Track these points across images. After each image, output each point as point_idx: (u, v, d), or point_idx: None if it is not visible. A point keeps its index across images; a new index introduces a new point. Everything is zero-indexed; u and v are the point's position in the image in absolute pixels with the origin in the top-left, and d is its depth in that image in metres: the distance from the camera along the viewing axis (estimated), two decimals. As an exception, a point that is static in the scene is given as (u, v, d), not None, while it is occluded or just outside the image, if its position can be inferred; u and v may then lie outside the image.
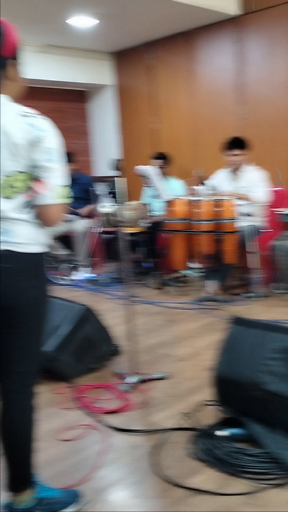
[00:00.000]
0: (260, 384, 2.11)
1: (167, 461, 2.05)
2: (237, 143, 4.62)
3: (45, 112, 1.67)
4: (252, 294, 4.35)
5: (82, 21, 5.18)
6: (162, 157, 5.57)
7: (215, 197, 4.42)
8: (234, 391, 2.21)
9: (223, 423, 2.21)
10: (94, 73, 6.53)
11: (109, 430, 2.32)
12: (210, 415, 2.32)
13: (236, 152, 4.61)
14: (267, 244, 4.63)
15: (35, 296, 1.59)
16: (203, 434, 2.13)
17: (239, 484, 1.88)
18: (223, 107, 5.54)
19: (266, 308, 4.09)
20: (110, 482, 1.95)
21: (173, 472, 1.97)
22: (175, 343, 3.43)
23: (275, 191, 5.14)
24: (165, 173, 5.57)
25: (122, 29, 5.52)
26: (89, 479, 1.97)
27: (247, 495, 1.81)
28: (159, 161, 5.53)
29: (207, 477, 1.93)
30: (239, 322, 2.35)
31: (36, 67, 5.88)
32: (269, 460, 1.95)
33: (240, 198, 4.40)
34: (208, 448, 2.05)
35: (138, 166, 4.66)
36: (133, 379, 2.78)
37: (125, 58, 6.45)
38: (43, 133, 1.52)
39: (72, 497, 1.81)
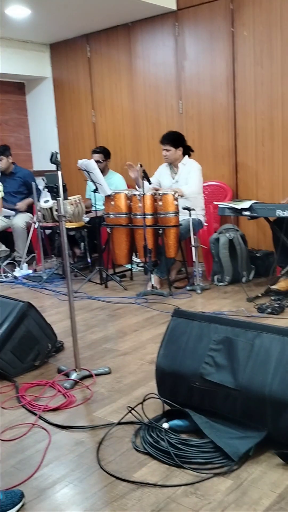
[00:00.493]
0: (203, 375, 2.14)
1: (111, 456, 2.05)
2: (167, 138, 4.68)
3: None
4: (193, 287, 4.42)
5: (18, 11, 5.05)
6: (101, 151, 5.54)
7: (156, 191, 4.45)
8: (177, 383, 2.23)
9: (167, 415, 2.23)
10: (32, 64, 6.39)
11: (52, 427, 2.29)
12: (154, 408, 2.33)
13: (167, 147, 4.66)
14: (207, 238, 4.71)
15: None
16: (147, 427, 2.15)
17: (183, 475, 1.90)
18: (163, 102, 5.57)
19: (208, 301, 4.18)
20: (54, 479, 1.93)
21: (118, 467, 1.97)
22: (118, 337, 3.44)
23: (214, 186, 5.25)
24: (105, 167, 5.55)
25: (57, 20, 5.42)
26: (32, 478, 1.94)
27: (190, 485, 1.84)
28: (99, 155, 5.50)
29: (152, 470, 1.94)
30: (181, 314, 2.38)
31: None
32: (212, 450, 1.99)
33: (175, 192, 4.46)
34: (153, 441, 2.07)
35: (80, 160, 4.61)
36: (76, 375, 2.75)
37: (62, 50, 6.35)
38: None
39: (15, 497, 1.78)
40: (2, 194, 1.53)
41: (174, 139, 4.69)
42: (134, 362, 2.99)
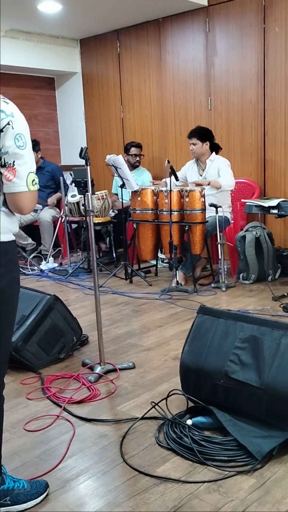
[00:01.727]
0: (227, 373, 2.14)
1: (134, 450, 2.06)
2: (194, 132, 4.66)
3: (11, 98, 1.63)
4: (218, 285, 4.40)
5: (49, 7, 5.08)
6: (140, 146, 5.59)
7: (183, 188, 4.44)
8: (201, 380, 2.23)
9: (190, 412, 2.23)
10: (63, 59, 6.42)
11: (76, 420, 2.31)
12: (177, 404, 2.34)
13: (194, 140, 4.64)
14: (233, 235, 4.68)
15: (5, 285, 1.56)
16: (171, 423, 2.15)
17: (206, 472, 1.90)
18: (192, 98, 5.54)
19: (233, 299, 4.16)
20: (78, 471, 1.95)
21: (141, 461, 1.98)
22: (142, 333, 3.45)
23: (242, 183, 5.20)
24: (140, 163, 5.58)
25: (88, 15, 5.43)
26: (56, 469, 1.96)
27: (213, 482, 1.84)
28: (137, 149, 5.54)
29: (175, 465, 1.95)
30: (206, 311, 2.37)
31: (3, 53, 5.74)
32: (235, 448, 1.98)
33: (208, 185, 4.45)
34: (176, 437, 2.07)
35: (108, 155, 4.62)
36: (100, 369, 2.77)
37: (92, 45, 6.36)
38: (10, 118, 1.48)
39: (40, 487, 1.80)
40: (38, 186, 1.54)
41: (201, 133, 4.67)
42: (158, 357, 3.00)
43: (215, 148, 4.78)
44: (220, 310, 2.36)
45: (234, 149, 5.28)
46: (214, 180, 4.55)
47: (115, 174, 4.88)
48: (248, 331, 2.18)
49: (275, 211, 4.07)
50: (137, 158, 5.52)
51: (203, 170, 4.77)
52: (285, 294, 4.08)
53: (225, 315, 2.30)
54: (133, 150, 5.52)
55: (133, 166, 5.56)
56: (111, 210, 5.44)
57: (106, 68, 6.28)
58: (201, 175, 4.76)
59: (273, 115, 5.02)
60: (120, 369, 2.81)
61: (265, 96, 5.03)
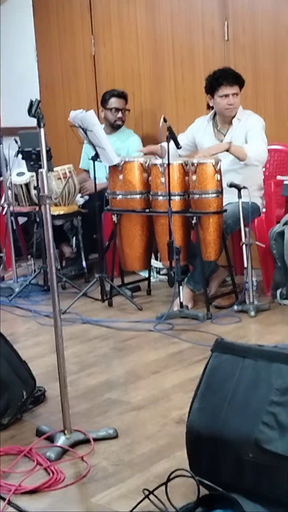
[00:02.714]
0: (259, 442, 2.13)
1: None
2: (237, 77, 4.68)
3: None
4: (245, 307, 4.40)
5: None
6: (124, 96, 5.59)
7: (188, 160, 4.44)
8: (220, 454, 2.22)
9: (204, 503, 2.21)
10: None
11: (29, 519, 2.29)
12: (183, 492, 2.33)
13: (236, 89, 4.65)
14: (266, 232, 4.69)
15: None
16: (174, 521, 2.14)
17: None
18: (200, 24, 5.57)
19: (266, 328, 4.15)
20: None
21: None
22: (129, 383, 3.43)
23: (278, 151, 5.22)
24: (124, 121, 5.59)
25: None
26: None
27: None
28: (120, 101, 5.54)
29: None
30: (226, 349, 2.36)
31: None
32: None
33: (227, 151, 4.44)
34: None
35: (73, 112, 4.62)
36: (65, 440, 2.76)
37: None
38: None
39: None
40: None
41: (242, 80, 4.69)
42: (153, 420, 2.98)
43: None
44: (247, 346, 2.34)
45: (265, 101, 5.31)
46: (238, 146, 4.53)
47: (85, 141, 4.87)
48: (290, 378, 2.18)
49: None
50: (119, 115, 5.53)
51: (224, 134, 4.76)
52: None
53: (254, 353, 2.29)
54: (114, 102, 5.53)
55: (113, 127, 5.57)
56: (79, 195, 5.43)
57: (69, -21, 6.30)
58: (220, 141, 4.75)
59: None
60: (96, 440, 2.79)
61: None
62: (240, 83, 4.68)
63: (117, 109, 5.53)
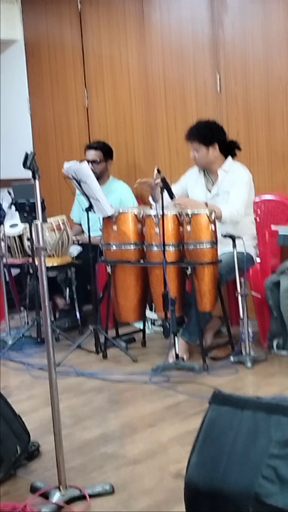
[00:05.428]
0: (259, 496, 2.12)
1: None
2: (195, 132, 4.76)
3: None
4: (241, 358, 4.39)
5: None
6: (99, 148, 5.62)
7: (184, 210, 4.48)
8: (219, 508, 2.21)
9: None
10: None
11: None
12: None
13: (195, 145, 4.74)
14: (262, 282, 4.71)
15: None
16: None
17: None
18: (192, 76, 5.65)
19: (264, 379, 4.14)
20: None
21: None
22: (125, 436, 3.42)
23: (271, 201, 5.27)
24: (105, 172, 5.62)
25: None
26: None
27: None
28: (95, 153, 5.57)
29: None
30: (224, 401, 2.37)
31: None
32: None
33: (211, 212, 4.49)
34: None
35: (67, 163, 4.67)
36: (60, 497, 2.73)
37: (41, 1, 6.48)
38: None
39: None
40: None
41: (205, 134, 4.75)
42: (151, 475, 2.97)
43: (230, 150, 4.86)
44: (245, 398, 2.34)
45: (258, 150, 5.37)
46: (213, 205, 4.55)
47: (78, 192, 4.92)
48: (289, 430, 2.18)
49: None
50: (93, 167, 5.41)
51: (214, 184, 4.82)
52: None
53: (252, 405, 2.30)
54: (88, 155, 5.55)
55: (98, 179, 5.60)
56: (73, 247, 5.45)
57: (62, 32, 6.41)
58: (210, 191, 4.82)
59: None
60: (92, 496, 2.77)
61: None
62: (200, 138, 4.72)
63: (92, 161, 5.51)
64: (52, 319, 5.50)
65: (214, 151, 4.76)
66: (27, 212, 4.71)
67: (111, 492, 2.81)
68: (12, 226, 5.30)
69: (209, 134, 4.77)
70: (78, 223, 5.75)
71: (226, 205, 4.60)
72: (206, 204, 4.51)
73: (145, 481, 2.92)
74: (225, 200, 4.68)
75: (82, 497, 2.76)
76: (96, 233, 5.14)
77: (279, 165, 5.32)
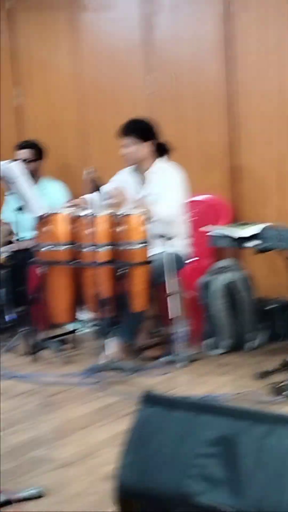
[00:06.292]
0: (188, 495, 2.13)
1: None
2: (128, 128, 4.77)
3: None
4: (174, 357, 4.42)
5: None
6: (30, 146, 5.58)
7: (115, 211, 4.47)
8: (149, 508, 2.21)
9: None
10: None
11: None
12: None
13: (127, 140, 4.75)
14: (193, 281, 4.74)
15: None
16: None
17: None
18: (124, 76, 5.65)
19: (196, 378, 4.17)
20: None
21: None
22: (56, 439, 3.40)
23: (203, 202, 5.31)
24: (36, 172, 5.57)
25: None
26: None
27: None
28: (26, 152, 5.52)
29: None
30: (153, 401, 2.37)
31: None
32: None
33: (143, 213, 4.51)
34: None
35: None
36: (-10, 501, 2.71)
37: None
38: None
39: None
40: None
41: (139, 130, 4.76)
42: (82, 478, 2.96)
43: (162, 151, 4.88)
44: (174, 398, 2.35)
45: (189, 151, 5.40)
46: (145, 208, 4.57)
47: (7, 192, 4.87)
48: (218, 429, 2.19)
49: (255, 242, 4.17)
50: (29, 165, 5.40)
51: (145, 183, 4.83)
52: (274, 368, 4.15)
53: (182, 405, 2.30)
54: (20, 154, 5.50)
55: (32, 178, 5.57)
56: (3, 248, 5.40)
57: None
58: (141, 191, 4.82)
59: (246, 101, 5.20)
60: (22, 500, 2.74)
61: (233, 74, 5.22)
62: (133, 133, 4.73)
63: (23, 160, 5.36)
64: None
65: (146, 149, 4.76)
66: None
67: (42, 496, 2.79)
68: None
69: (143, 130, 4.79)
70: (8, 223, 5.68)
71: (161, 204, 4.62)
72: (141, 202, 4.53)
73: (76, 483, 2.91)
74: (156, 200, 4.69)
75: (13, 501, 2.73)
76: (27, 233, 5.10)
77: (211, 167, 5.37)
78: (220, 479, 2.11)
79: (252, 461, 2.09)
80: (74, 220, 4.59)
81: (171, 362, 4.42)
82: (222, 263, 4.81)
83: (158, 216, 4.54)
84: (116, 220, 4.44)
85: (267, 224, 4.28)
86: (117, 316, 4.68)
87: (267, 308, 4.84)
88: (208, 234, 4.42)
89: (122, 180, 4.94)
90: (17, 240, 5.16)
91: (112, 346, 4.46)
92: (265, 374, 4.07)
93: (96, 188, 4.39)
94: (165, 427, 2.28)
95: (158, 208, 4.57)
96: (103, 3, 5.71)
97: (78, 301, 4.73)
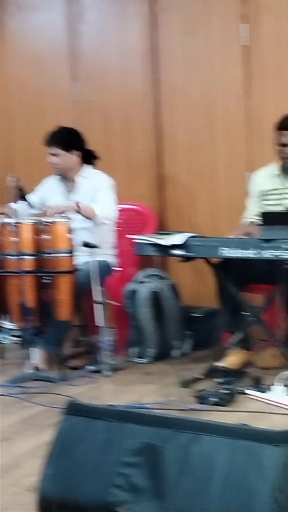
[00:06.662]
0: (111, 505, 2.12)
1: None
2: (55, 138, 4.76)
3: None
4: (99, 367, 4.41)
5: None
6: None
7: (40, 219, 4.44)
8: (73, 520, 2.20)
9: None
10: None
11: None
12: None
13: (54, 150, 4.73)
14: (119, 290, 4.75)
15: None
16: None
17: None
18: (49, 85, 5.65)
19: (121, 387, 4.17)
20: None
21: None
22: (-22, 451, 3.36)
23: (129, 210, 5.34)
24: None
25: None
26: None
27: None
28: None
29: None
30: (78, 410, 2.36)
31: None
32: None
33: (78, 211, 4.49)
34: None
35: None
36: None
37: None
38: None
39: None
40: None
41: (65, 139, 4.76)
42: (5, 490, 2.90)
43: (89, 158, 4.88)
44: (98, 407, 2.35)
45: (115, 160, 5.43)
46: (86, 205, 4.60)
47: None
48: (142, 438, 2.20)
49: (180, 251, 4.21)
50: None
51: (72, 191, 4.82)
52: (199, 376, 4.18)
53: (105, 414, 2.30)
54: None
55: None
56: None
57: None
58: (69, 199, 4.81)
59: (171, 111, 5.26)
60: None
61: (159, 84, 5.27)
62: (60, 143, 4.73)
63: None
64: None
65: (73, 157, 4.76)
66: None
67: None
68: None
69: (70, 140, 4.78)
70: None
71: (97, 205, 4.61)
72: (78, 205, 4.51)
73: (1, 495, 2.86)
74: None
75: None
76: None
77: (137, 176, 5.41)
78: (144, 488, 2.11)
79: (176, 469, 2.10)
80: (-1, 228, 4.54)
81: (97, 372, 4.41)
82: (148, 271, 4.83)
83: (99, 216, 4.54)
84: (41, 228, 4.40)
85: (191, 234, 4.32)
86: (42, 325, 4.64)
87: (192, 316, 4.88)
88: (134, 242, 4.43)
89: (48, 188, 4.93)
90: None
91: (37, 356, 4.42)
92: (189, 382, 4.10)
93: (21, 196, 4.35)
94: (89, 437, 2.27)
95: (98, 208, 4.58)
96: (27, 10, 5.69)
97: (1, 310, 4.68)
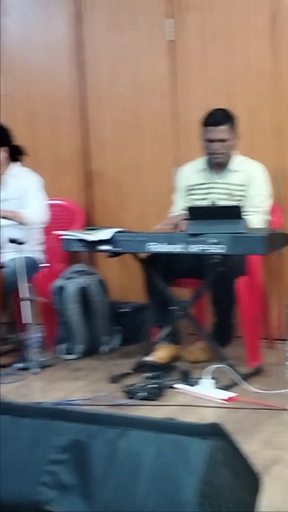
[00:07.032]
0: (39, 504, 2.10)
1: None
2: None
3: None
4: (26, 364, 4.38)
5: None
6: None
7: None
8: (1, 520, 2.17)
9: None
10: None
11: None
12: None
13: None
14: (47, 286, 4.72)
15: None
16: None
17: None
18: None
19: (50, 384, 4.16)
20: None
21: None
22: None
23: (56, 206, 5.31)
24: None
25: None
26: None
27: None
28: None
29: None
30: (5, 409, 2.32)
31: None
32: None
33: (5, 218, 4.44)
34: None
35: None
36: None
37: None
38: None
39: None
40: None
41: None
42: None
43: (16, 155, 4.82)
44: (25, 405, 2.32)
45: (42, 155, 5.39)
46: (12, 211, 4.52)
47: None
48: (69, 434, 2.18)
49: (107, 247, 4.20)
50: None
51: (4, 188, 4.75)
52: (128, 371, 4.20)
53: (32, 411, 2.27)
54: None
55: None
56: None
57: None
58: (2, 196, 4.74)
59: (97, 106, 5.25)
60: None
61: (85, 78, 5.26)
62: None
63: None
64: None
65: (1, 154, 4.70)
66: None
67: None
68: None
69: (3, 135, 4.73)
70: None
71: (28, 210, 4.57)
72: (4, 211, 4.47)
73: None
74: (16, 205, 4.62)
75: None
76: None
77: (64, 171, 5.39)
78: (72, 485, 2.10)
79: (103, 465, 2.09)
80: None
81: (25, 369, 4.38)
82: (75, 267, 4.82)
83: (30, 221, 4.50)
84: None
85: (118, 229, 4.32)
86: None
87: (121, 311, 4.89)
88: (61, 238, 4.41)
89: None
90: None
91: None
92: (118, 378, 4.11)
93: None
94: (16, 435, 2.24)
95: (28, 213, 4.53)
96: None
97: None
